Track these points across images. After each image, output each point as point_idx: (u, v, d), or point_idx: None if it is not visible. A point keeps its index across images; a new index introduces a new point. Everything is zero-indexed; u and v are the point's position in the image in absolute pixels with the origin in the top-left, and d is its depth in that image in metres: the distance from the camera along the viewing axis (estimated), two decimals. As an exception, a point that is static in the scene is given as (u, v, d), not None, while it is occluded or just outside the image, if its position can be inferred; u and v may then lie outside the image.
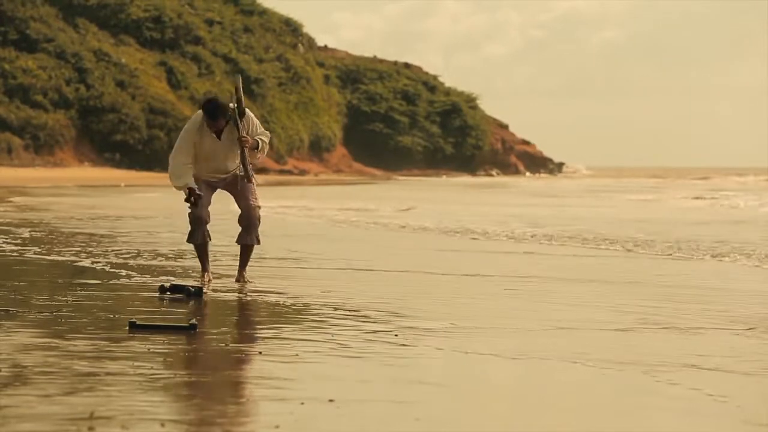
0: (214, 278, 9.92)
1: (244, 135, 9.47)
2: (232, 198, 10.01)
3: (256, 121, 9.67)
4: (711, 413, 5.37)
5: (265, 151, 9.65)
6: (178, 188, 9.59)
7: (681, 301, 9.85)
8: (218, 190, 9.89)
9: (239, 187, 9.71)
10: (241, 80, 9.90)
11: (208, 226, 9.76)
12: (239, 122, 9.47)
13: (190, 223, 9.69)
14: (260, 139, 9.58)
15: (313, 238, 17.79)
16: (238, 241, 9.88)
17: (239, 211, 9.83)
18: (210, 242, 9.86)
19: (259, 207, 9.79)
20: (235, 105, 9.51)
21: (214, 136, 9.56)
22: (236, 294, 9.25)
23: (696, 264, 14.08)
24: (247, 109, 9.55)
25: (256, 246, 9.95)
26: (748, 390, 5.93)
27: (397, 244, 17.27)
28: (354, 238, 18.56)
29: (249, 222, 9.74)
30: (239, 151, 9.55)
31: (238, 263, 9.97)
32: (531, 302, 9.71)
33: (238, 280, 9.82)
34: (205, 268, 9.88)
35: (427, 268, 12.68)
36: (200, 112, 9.61)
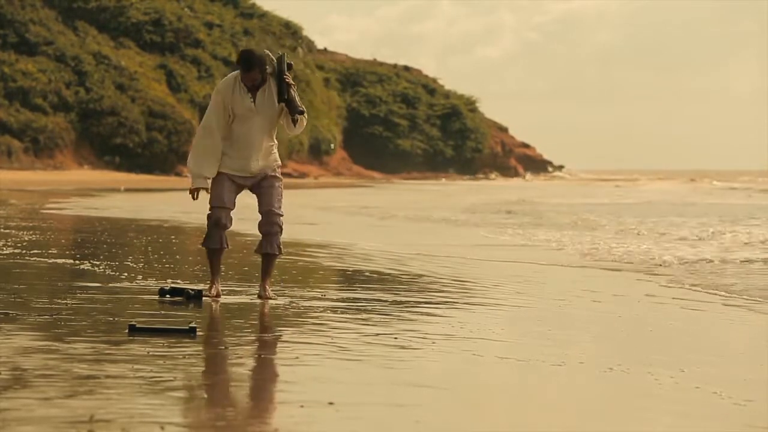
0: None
1: (287, 75, 8.73)
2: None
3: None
4: (713, 415, 5.37)
5: (304, 123, 8.89)
6: (193, 179, 8.81)
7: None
8: (244, 190, 9.06)
9: (265, 189, 8.97)
10: (285, 56, 8.92)
11: (227, 232, 9.04)
12: (285, 71, 8.74)
13: (208, 225, 8.97)
14: (298, 108, 8.77)
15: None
16: (257, 251, 9.14)
17: (259, 217, 9.08)
18: (226, 249, 9.09)
19: (282, 215, 9.02)
20: (275, 62, 8.79)
21: (251, 99, 8.78)
22: (236, 297, 9.24)
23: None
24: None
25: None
26: (750, 392, 5.93)
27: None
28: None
29: (269, 229, 9.00)
30: (275, 129, 8.90)
31: (260, 275, 9.20)
32: (529, 304, 9.72)
33: (260, 296, 9.07)
34: (214, 277, 9.11)
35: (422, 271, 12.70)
36: (233, 73, 8.91)
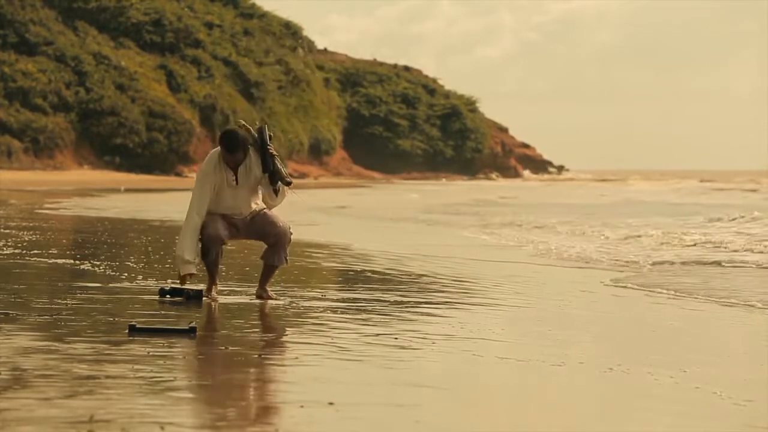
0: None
1: (270, 146, 8.87)
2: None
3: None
4: (713, 415, 5.37)
5: (286, 194, 9.01)
6: (180, 266, 8.90)
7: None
8: (236, 237, 9.18)
9: (260, 219, 9.03)
10: (266, 127, 9.05)
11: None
12: (267, 142, 8.88)
13: (203, 240, 8.94)
14: (286, 179, 8.94)
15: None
16: (263, 258, 9.17)
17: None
18: (221, 258, 9.11)
19: (289, 225, 9.10)
20: (257, 134, 8.89)
21: (233, 177, 8.90)
22: (236, 297, 9.25)
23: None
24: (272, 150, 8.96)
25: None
26: (750, 392, 5.93)
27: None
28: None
29: (278, 240, 9.05)
30: (260, 191, 8.99)
31: (259, 278, 9.26)
32: (529, 304, 9.73)
33: (259, 296, 9.08)
34: (212, 280, 9.12)
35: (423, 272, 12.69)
36: (215, 150, 9.00)
